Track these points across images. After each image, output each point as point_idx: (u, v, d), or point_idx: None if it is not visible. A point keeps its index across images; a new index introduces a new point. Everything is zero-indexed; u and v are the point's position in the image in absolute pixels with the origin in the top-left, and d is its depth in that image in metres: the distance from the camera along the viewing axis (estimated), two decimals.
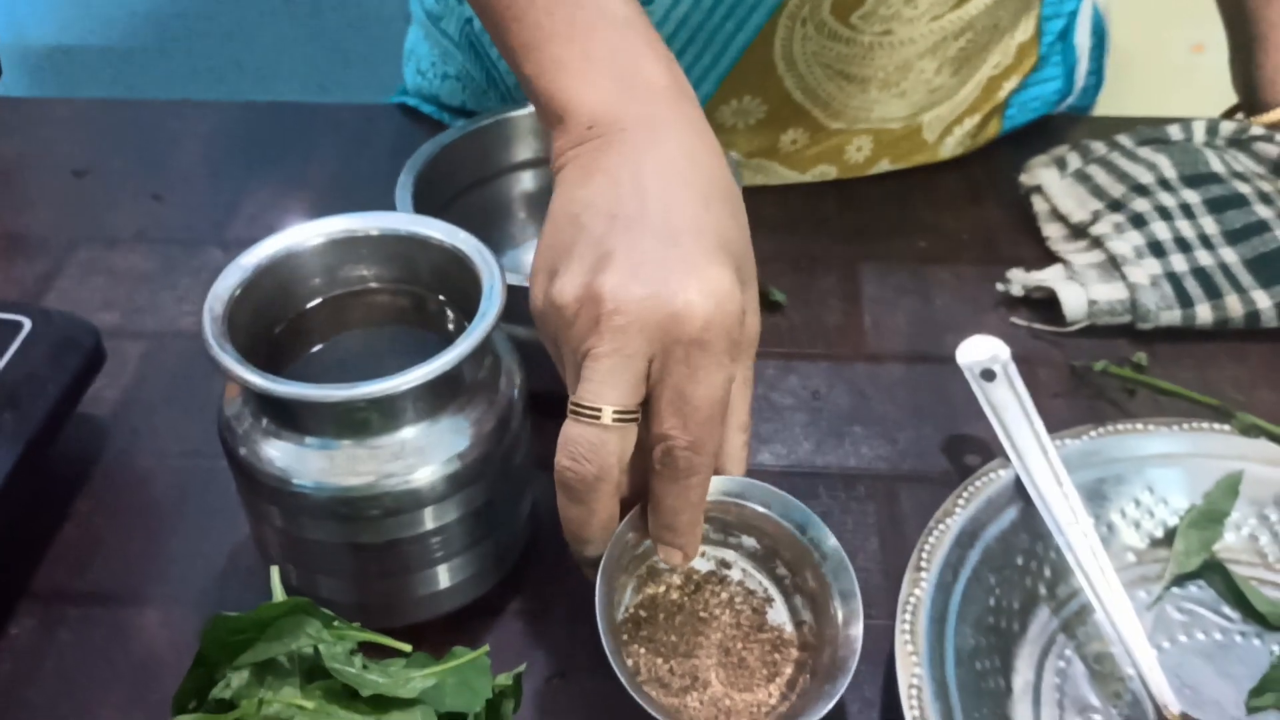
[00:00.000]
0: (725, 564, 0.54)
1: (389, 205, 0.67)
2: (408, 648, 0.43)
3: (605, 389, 0.45)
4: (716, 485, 0.52)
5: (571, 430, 0.47)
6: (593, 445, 0.46)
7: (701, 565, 0.54)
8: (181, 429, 0.64)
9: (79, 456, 0.62)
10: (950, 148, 0.81)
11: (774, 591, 0.54)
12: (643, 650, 0.51)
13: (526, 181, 0.71)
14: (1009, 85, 0.81)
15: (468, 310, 0.51)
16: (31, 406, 0.56)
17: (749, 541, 0.54)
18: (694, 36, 0.72)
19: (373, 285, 0.54)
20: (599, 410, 0.46)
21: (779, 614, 0.53)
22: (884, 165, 0.80)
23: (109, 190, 0.81)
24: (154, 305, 0.72)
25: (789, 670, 0.51)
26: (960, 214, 0.79)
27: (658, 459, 0.47)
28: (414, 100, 0.88)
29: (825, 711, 0.47)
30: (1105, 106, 0.95)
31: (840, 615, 0.50)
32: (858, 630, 0.49)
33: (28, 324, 0.60)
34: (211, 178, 0.82)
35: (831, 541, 0.51)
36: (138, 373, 0.67)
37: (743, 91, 0.75)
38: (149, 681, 0.53)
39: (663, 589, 0.54)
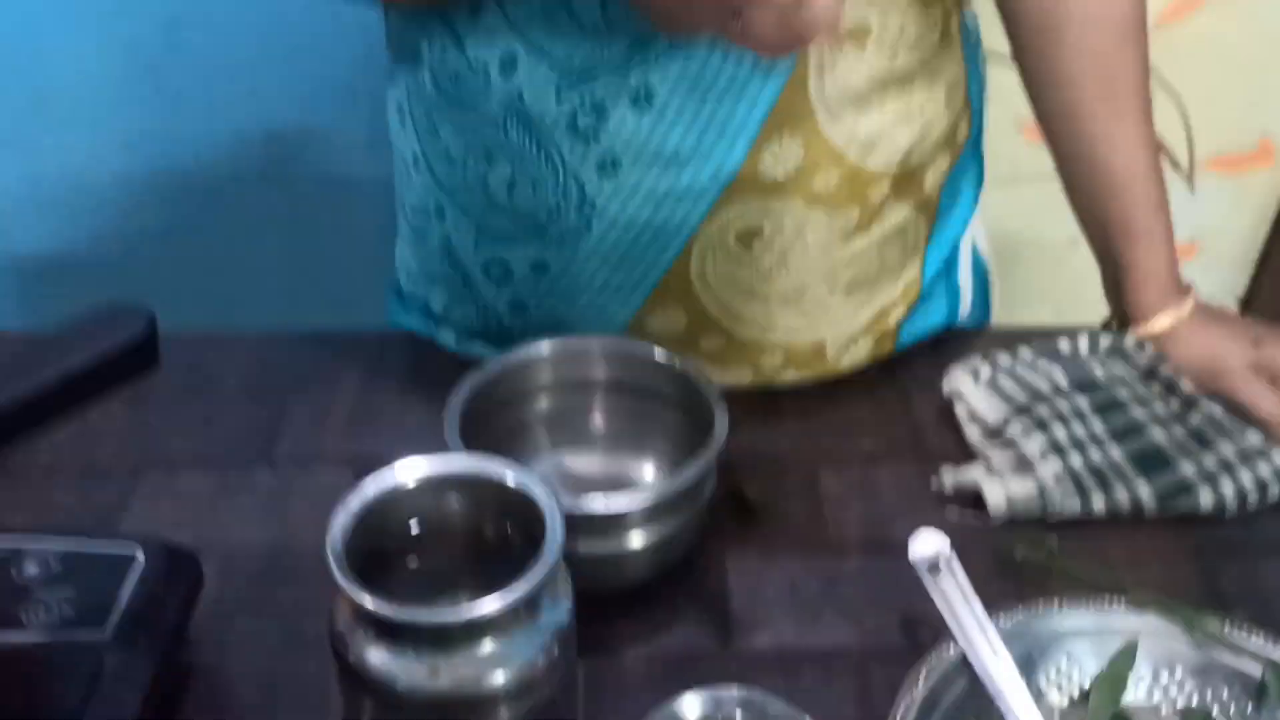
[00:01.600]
0: None
1: (411, 426, 0.86)
2: None
3: None
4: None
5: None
6: None
7: None
8: (261, 636, 0.75)
9: (177, 667, 0.73)
10: (847, 363, 0.96)
11: None
12: None
13: (543, 402, 0.85)
14: (896, 314, 0.96)
15: (530, 535, 0.64)
16: (159, 626, 0.67)
17: None
18: (624, 258, 0.87)
19: (453, 514, 0.67)
20: None
21: None
22: (791, 374, 0.95)
23: (162, 417, 0.92)
24: (219, 524, 0.83)
25: None
26: (893, 416, 0.94)
27: None
28: (411, 324, 1.01)
29: None
30: (1003, 306, 1.11)
31: None
32: None
33: (140, 554, 0.70)
34: (250, 404, 0.94)
35: None
36: (215, 589, 0.78)
37: (667, 306, 0.90)
38: None
39: None
